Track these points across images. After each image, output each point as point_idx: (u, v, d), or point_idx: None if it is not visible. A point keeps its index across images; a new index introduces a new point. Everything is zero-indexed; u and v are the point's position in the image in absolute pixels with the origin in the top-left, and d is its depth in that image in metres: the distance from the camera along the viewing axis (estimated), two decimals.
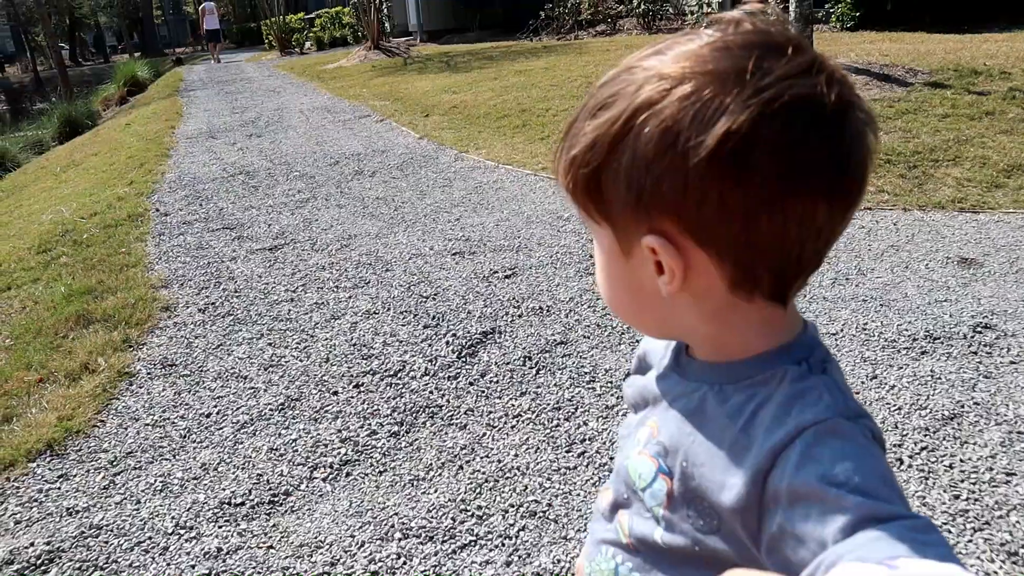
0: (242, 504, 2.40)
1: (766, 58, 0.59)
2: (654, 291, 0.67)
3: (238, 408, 2.95)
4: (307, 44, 25.08)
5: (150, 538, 2.28)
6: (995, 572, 1.93)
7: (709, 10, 14.36)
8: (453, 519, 2.26)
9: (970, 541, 2.03)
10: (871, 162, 0.63)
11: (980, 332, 3.07)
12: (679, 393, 0.74)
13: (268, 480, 2.51)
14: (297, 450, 2.66)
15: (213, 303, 3.96)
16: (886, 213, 4.58)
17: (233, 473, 2.56)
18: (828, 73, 0.60)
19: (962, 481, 2.26)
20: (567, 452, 2.52)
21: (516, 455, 2.53)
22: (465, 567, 2.09)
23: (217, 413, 2.92)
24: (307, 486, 2.47)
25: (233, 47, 34.49)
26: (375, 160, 7.01)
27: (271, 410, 2.92)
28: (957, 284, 3.55)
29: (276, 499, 2.42)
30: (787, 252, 0.62)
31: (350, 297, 3.91)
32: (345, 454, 2.61)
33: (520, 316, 3.53)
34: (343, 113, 9.86)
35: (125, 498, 2.47)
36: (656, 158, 0.60)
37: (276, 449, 2.67)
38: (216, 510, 2.38)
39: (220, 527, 2.31)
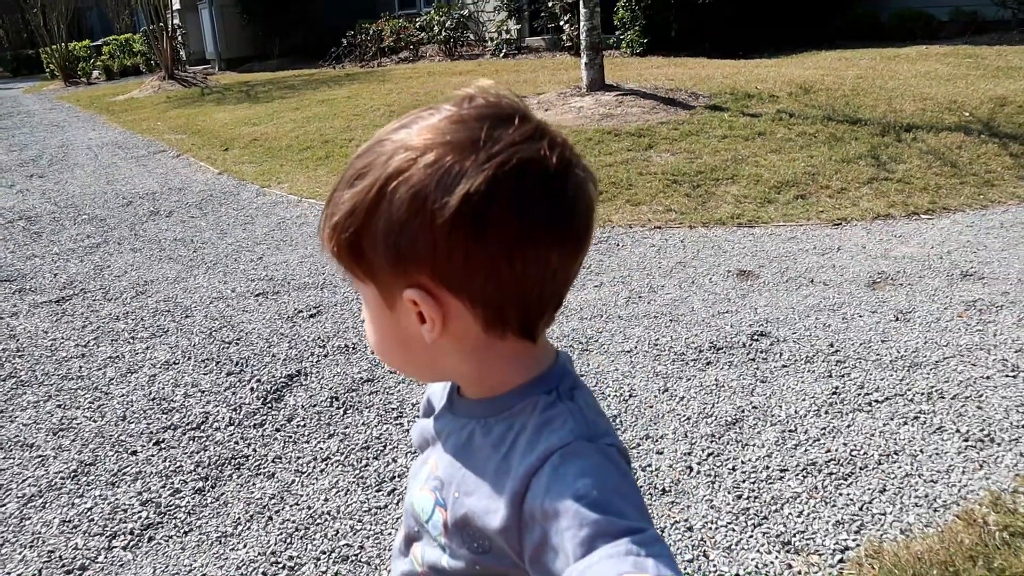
0: None
1: (496, 127, 0.66)
2: (419, 338, 0.73)
3: (24, 480, 2.74)
4: (95, 73, 23.62)
5: None
6: (772, 563, 2.12)
7: (508, 36, 14.78)
8: (264, 573, 2.21)
9: (751, 536, 2.22)
10: (593, 211, 0.72)
11: (757, 340, 3.36)
12: (452, 430, 0.82)
13: (60, 556, 2.34)
14: (93, 519, 2.50)
15: None
16: (674, 231, 4.90)
17: (19, 553, 2.37)
18: (550, 138, 0.68)
19: (744, 481, 2.46)
20: (377, 491, 2.53)
21: (326, 499, 2.51)
22: None
23: None
24: (105, 557, 2.34)
25: (8, 76, 31.85)
26: (172, 199, 6.72)
27: (62, 478, 2.73)
28: (736, 295, 3.87)
29: None
30: (529, 294, 0.70)
31: (147, 348, 3.72)
32: (147, 517, 2.49)
33: (326, 356, 3.50)
34: (136, 148, 9.37)
35: None
36: (408, 220, 0.66)
37: (69, 521, 2.50)
38: None
39: None
